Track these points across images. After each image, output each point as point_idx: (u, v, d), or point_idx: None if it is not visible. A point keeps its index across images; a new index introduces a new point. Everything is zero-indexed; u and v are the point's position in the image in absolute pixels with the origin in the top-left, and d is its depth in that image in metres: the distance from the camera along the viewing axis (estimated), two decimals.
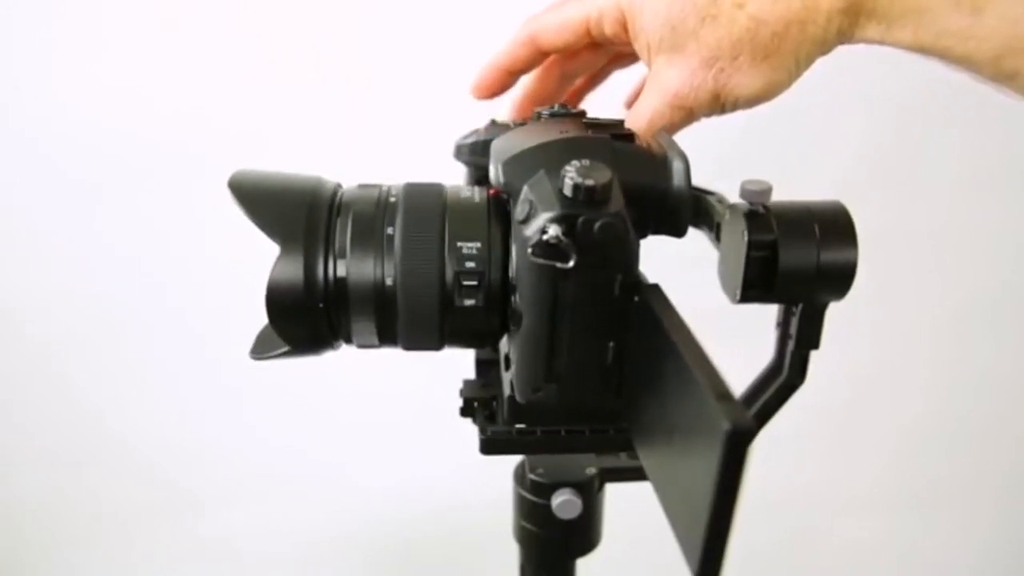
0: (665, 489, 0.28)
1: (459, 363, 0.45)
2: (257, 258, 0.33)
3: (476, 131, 0.42)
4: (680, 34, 0.36)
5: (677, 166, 0.33)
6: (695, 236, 0.36)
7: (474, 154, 0.42)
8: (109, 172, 0.81)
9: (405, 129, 0.77)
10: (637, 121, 0.38)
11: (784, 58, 0.36)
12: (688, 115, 0.38)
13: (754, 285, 0.31)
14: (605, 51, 0.44)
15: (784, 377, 0.35)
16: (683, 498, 0.26)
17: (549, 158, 0.31)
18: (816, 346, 0.34)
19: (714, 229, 0.34)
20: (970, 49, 0.35)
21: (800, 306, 0.33)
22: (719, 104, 0.38)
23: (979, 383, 0.98)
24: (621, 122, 0.36)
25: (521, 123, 0.39)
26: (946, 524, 1.06)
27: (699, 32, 0.36)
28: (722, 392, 0.23)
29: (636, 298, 0.30)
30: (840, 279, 0.31)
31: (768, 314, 0.35)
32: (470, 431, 0.41)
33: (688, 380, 0.25)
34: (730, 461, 0.22)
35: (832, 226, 0.31)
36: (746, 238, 0.30)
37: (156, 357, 0.90)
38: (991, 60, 0.35)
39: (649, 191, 0.33)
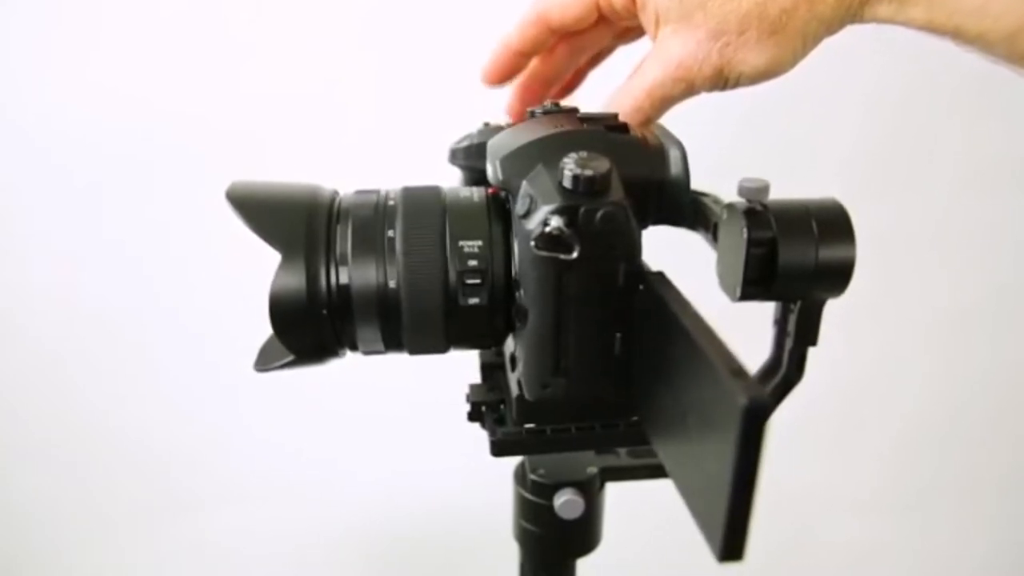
0: (683, 476, 0.28)
1: (461, 364, 0.44)
2: (256, 258, 0.33)
3: (469, 135, 0.42)
4: (688, 5, 0.36)
5: (674, 154, 0.33)
6: (692, 237, 0.36)
7: (469, 158, 0.41)
8: (109, 172, 0.81)
9: (399, 133, 0.78)
10: (636, 90, 0.37)
11: (791, 36, 0.35)
12: (688, 88, 0.37)
13: (753, 282, 0.31)
14: (611, 27, 0.43)
15: (782, 374, 0.35)
16: (702, 482, 0.25)
17: (546, 152, 0.31)
18: (814, 343, 0.34)
19: (711, 229, 0.33)
20: (984, 28, 0.34)
21: (798, 303, 0.33)
22: (722, 79, 0.37)
23: (980, 383, 0.98)
24: (615, 115, 0.35)
25: (514, 123, 0.39)
26: (946, 524, 1.06)
27: (707, 4, 0.35)
28: (736, 369, 0.23)
29: (641, 287, 0.30)
30: (838, 276, 0.31)
31: (765, 312, 0.35)
32: (470, 431, 0.41)
33: (700, 361, 0.24)
34: (748, 437, 0.21)
35: (830, 223, 0.31)
36: (745, 235, 0.30)
37: (156, 357, 0.90)
38: (1006, 39, 0.34)
39: (647, 180, 0.33)
